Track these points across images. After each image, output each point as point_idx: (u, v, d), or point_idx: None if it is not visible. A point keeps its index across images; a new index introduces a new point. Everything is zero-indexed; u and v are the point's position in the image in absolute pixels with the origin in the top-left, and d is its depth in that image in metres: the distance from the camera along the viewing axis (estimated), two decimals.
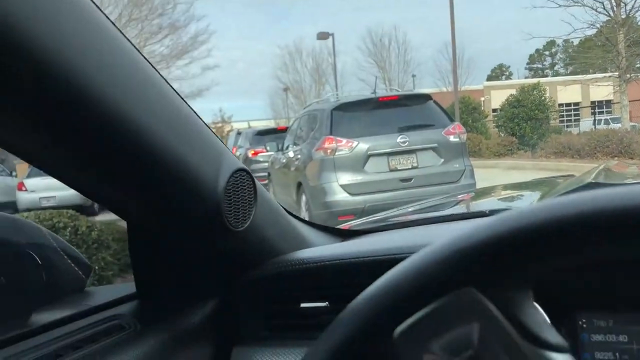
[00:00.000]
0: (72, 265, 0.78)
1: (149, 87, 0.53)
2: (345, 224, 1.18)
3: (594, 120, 23.77)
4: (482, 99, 31.42)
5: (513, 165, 15.05)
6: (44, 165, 0.57)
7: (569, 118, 35.19)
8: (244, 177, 0.67)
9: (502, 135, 19.61)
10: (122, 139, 0.51)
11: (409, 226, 1.00)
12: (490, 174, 11.81)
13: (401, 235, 0.92)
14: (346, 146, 6.65)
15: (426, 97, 7.28)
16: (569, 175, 1.96)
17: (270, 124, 38.68)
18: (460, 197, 1.89)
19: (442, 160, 6.71)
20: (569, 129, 28.30)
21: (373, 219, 1.34)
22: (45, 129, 0.48)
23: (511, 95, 19.03)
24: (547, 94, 19.56)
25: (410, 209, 1.43)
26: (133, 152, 0.52)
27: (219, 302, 0.78)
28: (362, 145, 6.56)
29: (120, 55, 0.50)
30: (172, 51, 29.35)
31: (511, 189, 1.83)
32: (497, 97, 28.55)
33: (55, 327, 0.63)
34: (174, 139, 0.55)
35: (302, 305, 0.76)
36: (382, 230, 0.97)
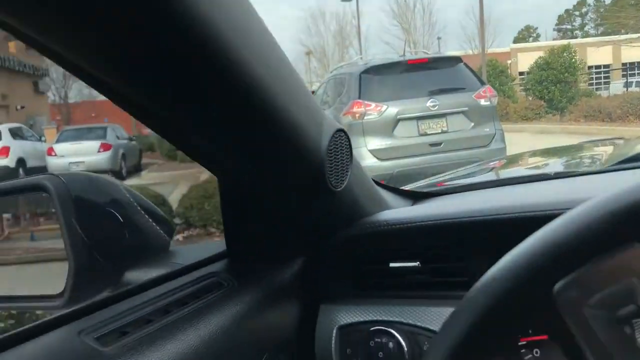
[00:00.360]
0: (155, 224, 0.79)
1: (269, 47, 0.52)
2: (406, 186, 1.18)
3: (626, 82, 23.11)
4: (509, 61, 30.67)
5: (541, 129, 14.79)
6: (157, 121, 0.57)
7: (599, 81, 34.22)
8: (342, 138, 0.67)
9: (530, 98, 19.24)
10: (244, 95, 0.51)
11: (478, 188, 0.99)
12: (518, 138, 11.63)
13: (484, 196, 0.92)
14: (375, 110, 6.58)
15: (456, 60, 7.14)
16: (616, 138, 1.92)
17: None
18: (491, 164, 1.88)
19: (473, 124, 6.61)
20: (598, 92, 27.62)
21: (423, 184, 1.33)
22: (172, 85, 0.48)
23: (540, 57, 18.57)
24: (577, 56, 19.02)
25: (449, 176, 1.42)
26: (252, 108, 0.52)
27: (307, 261, 0.79)
28: (391, 109, 6.49)
29: (246, 16, 0.49)
30: None
31: (562, 152, 1.80)
32: (525, 60, 27.84)
33: (153, 287, 0.64)
34: (287, 98, 0.55)
35: (392, 265, 0.77)
36: (450, 193, 0.97)
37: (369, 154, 6.54)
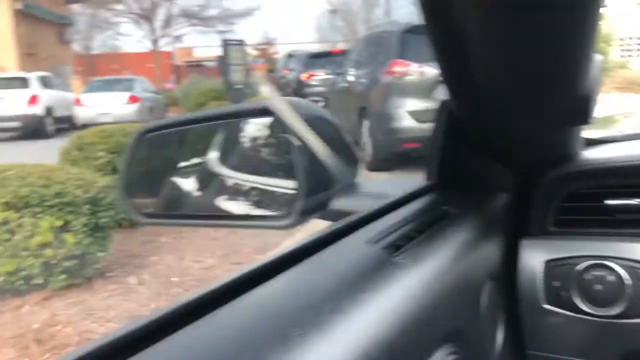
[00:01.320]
0: (349, 150, 0.80)
1: None
2: None
3: None
4: None
5: None
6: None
7: (630, 51, 33.30)
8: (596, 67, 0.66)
9: None
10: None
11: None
12: None
13: None
14: (416, 71, 6.50)
15: None
16: None
17: (314, 47, 37.98)
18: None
19: None
20: (628, 64, 26.85)
21: None
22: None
23: None
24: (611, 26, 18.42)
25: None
26: (554, 15, 0.51)
27: (511, 196, 0.80)
28: (433, 71, 6.39)
29: None
30: None
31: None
32: None
33: (386, 213, 0.64)
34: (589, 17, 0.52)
35: (608, 202, 0.78)
36: (620, 141, 0.96)
37: (407, 115, 6.49)
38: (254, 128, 0.81)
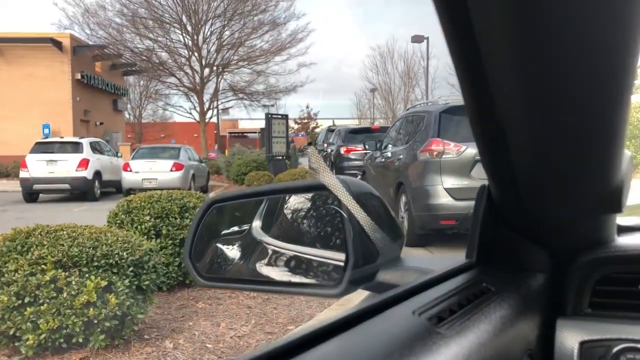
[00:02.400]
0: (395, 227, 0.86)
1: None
2: None
3: None
4: None
5: None
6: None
7: None
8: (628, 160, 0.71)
9: None
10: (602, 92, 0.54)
11: None
12: None
13: None
14: (453, 150, 6.61)
15: None
16: None
17: (354, 123, 38.77)
18: None
19: None
20: None
21: None
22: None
23: None
24: None
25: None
26: (599, 108, 0.55)
27: (547, 277, 0.84)
28: (470, 150, 6.48)
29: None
30: (271, 46, 30.28)
31: None
32: None
33: (429, 288, 0.68)
34: (623, 109, 0.58)
35: None
36: None
37: (444, 192, 6.55)
38: (308, 202, 0.90)
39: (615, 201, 0.70)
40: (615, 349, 0.77)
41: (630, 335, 0.77)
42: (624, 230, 0.95)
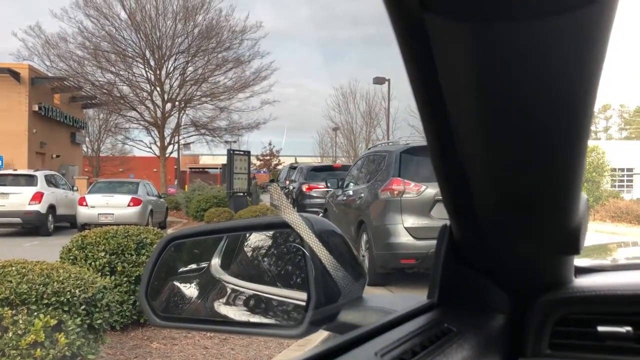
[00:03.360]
0: (356, 267, 0.86)
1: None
2: None
3: None
4: None
5: None
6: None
7: (622, 183, 34.18)
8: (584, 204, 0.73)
9: None
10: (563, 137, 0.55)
11: (633, 269, 1.07)
12: None
13: None
14: (414, 189, 6.71)
15: None
16: None
17: (316, 161, 39.02)
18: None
19: None
20: (621, 194, 27.48)
21: None
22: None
23: None
24: (605, 157, 19.18)
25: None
26: (558, 151, 0.57)
27: (507, 318, 0.84)
28: (430, 190, 6.60)
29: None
30: (235, 83, 30.41)
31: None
32: None
33: (390, 329, 0.68)
34: (581, 150, 0.59)
35: (600, 329, 0.81)
36: (609, 271, 1.03)
37: (404, 231, 6.61)
38: (269, 239, 0.89)
39: (573, 243, 0.71)
40: None
41: None
42: (581, 271, 0.98)
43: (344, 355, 0.57)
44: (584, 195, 0.72)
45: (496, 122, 0.55)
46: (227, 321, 0.88)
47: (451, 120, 0.58)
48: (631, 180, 33.65)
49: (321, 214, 9.62)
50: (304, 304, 0.76)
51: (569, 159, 0.60)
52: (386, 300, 0.88)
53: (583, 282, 0.89)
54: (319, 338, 2.42)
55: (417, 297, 0.85)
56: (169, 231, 14.78)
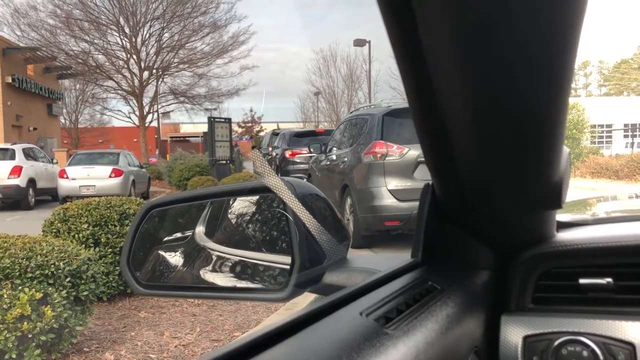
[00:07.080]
0: (341, 229, 0.86)
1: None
2: None
3: (632, 142, 23.44)
4: None
5: None
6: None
7: (601, 139, 34.68)
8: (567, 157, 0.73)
9: None
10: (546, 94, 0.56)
11: (617, 221, 1.08)
12: None
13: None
14: (396, 152, 6.73)
15: None
16: None
17: (299, 126, 38.85)
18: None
19: None
20: (601, 150, 27.95)
21: None
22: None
23: None
24: (584, 114, 19.36)
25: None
26: (543, 108, 0.57)
27: (492, 274, 0.85)
28: (412, 152, 6.62)
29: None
30: (213, 49, 29.89)
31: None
32: None
33: (376, 288, 0.68)
34: (563, 105, 0.59)
35: (582, 281, 0.83)
36: (591, 225, 1.03)
37: (388, 194, 6.65)
38: (253, 205, 0.88)
39: (555, 198, 0.72)
40: (557, 342, 0.79)
41: (570, 328, 0.80)
42: (563, 226, 0.99)
43: (329, 316, 0.57)
44: (566, 148, 0.71)
45: (476, 76, 0.55)
46: (213, 287, 0.88)
47: (432, 78, 0.57)
48: (610, 136, 34.16)
49: (305, 180, 9.62)
50: (288, 267, 0.76)
51: (551, 112, 0.59)
52: (370, 261, 0.88)
53: (565, 236, 0.90)
54: (306, 301, 2.46)
55: (401, 256, 0.85)
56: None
